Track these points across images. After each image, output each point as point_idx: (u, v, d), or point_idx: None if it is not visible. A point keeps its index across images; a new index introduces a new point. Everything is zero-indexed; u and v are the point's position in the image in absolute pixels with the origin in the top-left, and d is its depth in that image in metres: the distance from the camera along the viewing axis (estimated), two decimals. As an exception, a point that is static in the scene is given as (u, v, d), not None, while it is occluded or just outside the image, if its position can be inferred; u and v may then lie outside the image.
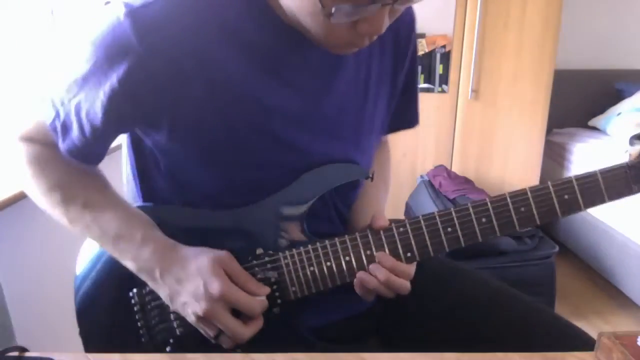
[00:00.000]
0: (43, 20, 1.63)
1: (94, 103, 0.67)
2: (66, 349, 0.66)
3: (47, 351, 0.63)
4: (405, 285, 0.72)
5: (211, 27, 0.66)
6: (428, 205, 2.27)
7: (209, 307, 0.65)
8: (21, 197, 1.23)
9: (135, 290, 0.74)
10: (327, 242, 0.72)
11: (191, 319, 0.68)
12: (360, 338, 0.85)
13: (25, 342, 0.69)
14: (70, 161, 0.73)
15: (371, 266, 0.71)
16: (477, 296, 0.87)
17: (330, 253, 0.71)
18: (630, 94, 2.79)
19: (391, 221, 0.73)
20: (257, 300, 0.67)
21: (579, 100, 2.96)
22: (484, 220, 0.70)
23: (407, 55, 0.85)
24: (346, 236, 0.72)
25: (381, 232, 0.71)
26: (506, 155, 2.58)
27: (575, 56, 2.98)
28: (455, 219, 0.70)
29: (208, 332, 0.68)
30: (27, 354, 0.63)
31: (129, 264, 0.70)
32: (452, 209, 0.71)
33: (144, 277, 0.70)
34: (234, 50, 0.67)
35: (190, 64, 0.65)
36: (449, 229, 0.70)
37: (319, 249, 0.71)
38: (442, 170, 2.47)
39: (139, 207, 0.76)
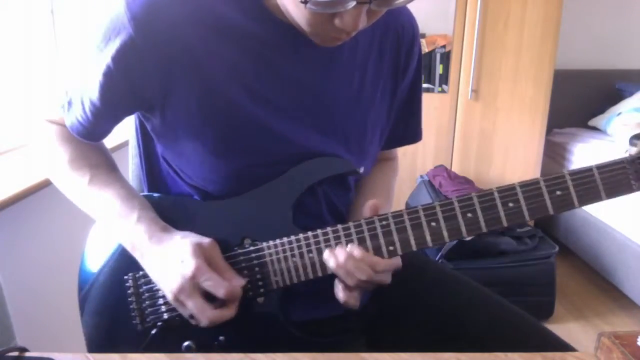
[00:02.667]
0: (43, 20, 1.63)
1: (93, 81, 0.71)
2: (66, 349, 0.66)
3: (47, 351, 0.63)
4: (369, 273, 0.69)
5: (204, 18, 0.69)
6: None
7: (181, 286, 0.68)
8: (21, 197, 1.23)
9: (130, 274, 0.77)
10: (309, 233, 0.72)
11: (169, 296, 0.71)
12: (347, 337, 0.85)
13: (25, 342, 0.69)
14: (82, 140, 0.79)
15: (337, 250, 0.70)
16: (468, 302, 0.87)
17: (313, 244, 0.72)
18: (630, 94, 2.79)
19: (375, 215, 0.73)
20: (226, 284, 0.68)
21: (579, 100, 2.96)
22: (469, 215, 0.68)
23: (408, 69, 0.85)
24: (328, 229, 0.72)
25: (363, 225, 0.71)
26: (506, 155, 2.59)
27: (575, 56, 2.98)
28: (439, 213, 0.68)
29: (183, 310, 0.71)
30: (27, 354, 0.63)
31: (123, 241, 0.75)
32: (436, 203, 0.69)
33: (136, 254, 0.74)
34: (224, 41, 0.70)
35: (179, 52, 0.68)
36: (433, 224, 0.69)
37: (302, 240, 0.72)
38: (442, 170, 2.47)
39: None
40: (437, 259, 2.09)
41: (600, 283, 2.40)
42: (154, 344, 0.75)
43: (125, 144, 0.88)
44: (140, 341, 0.75)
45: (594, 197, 0.66)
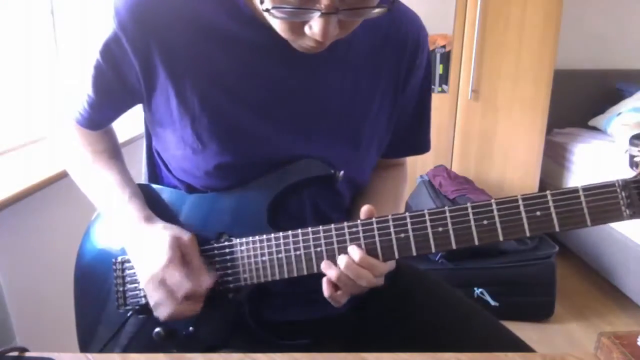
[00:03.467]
0: (43, 21, 1.63)
1: (87, 75, 0.75)
2: (66, 349, 0.66)
3: (47, 351, 0.63)
4: (370, 278, 0.68)
5: (189, 19, 0.71)
6: (428, 206, 2.27)
7: (151, 276, 0.71)
8: (21, 197, 1.23)
9: (119, 257, 0.80)
10: (280, 234, 0.72)
11: (141, 283, 0.74)
12: (320, 341, 0.82)
13: (25, 342, 0.69)
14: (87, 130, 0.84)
15: (339, 257, 0.68)
16: (445, 309, 0.86)
17: (282, 245, 0.72)
18: (630, 94, 2.79)
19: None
20: (187, 285, 0.70)
21: (579, 100, 2.96)
22: (440, 229, 0.64)
23: (411, 79, 0.83)
24: (299, 230, 0.71)
25: (332, 230, 0.69)
26: (506, 155, 2.58)
27: (575, 56, 2.98)
28: (409, 224, 0.66)
29: (153, 298, 0.73)
30: (27, 354, 0.64)
31: (111, 224, 0.79)
32: (407, 213, 0.66)
33: (120, 238, 0.78)
34: (208, 42, 0.71)
35: (161, 50, 0.70)
36: (402, 235, 0.66)
37: (272, 240, 0.72)
38: (442, 170, 2.47)
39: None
40: (437, 258, 2.09)
41: (600, 283, 2.40)
42: (129, 327, 0.78)
43: (140, 137, 0.93)
44: (118, 323, 0.79)
45: (578, 222, 0.60)
